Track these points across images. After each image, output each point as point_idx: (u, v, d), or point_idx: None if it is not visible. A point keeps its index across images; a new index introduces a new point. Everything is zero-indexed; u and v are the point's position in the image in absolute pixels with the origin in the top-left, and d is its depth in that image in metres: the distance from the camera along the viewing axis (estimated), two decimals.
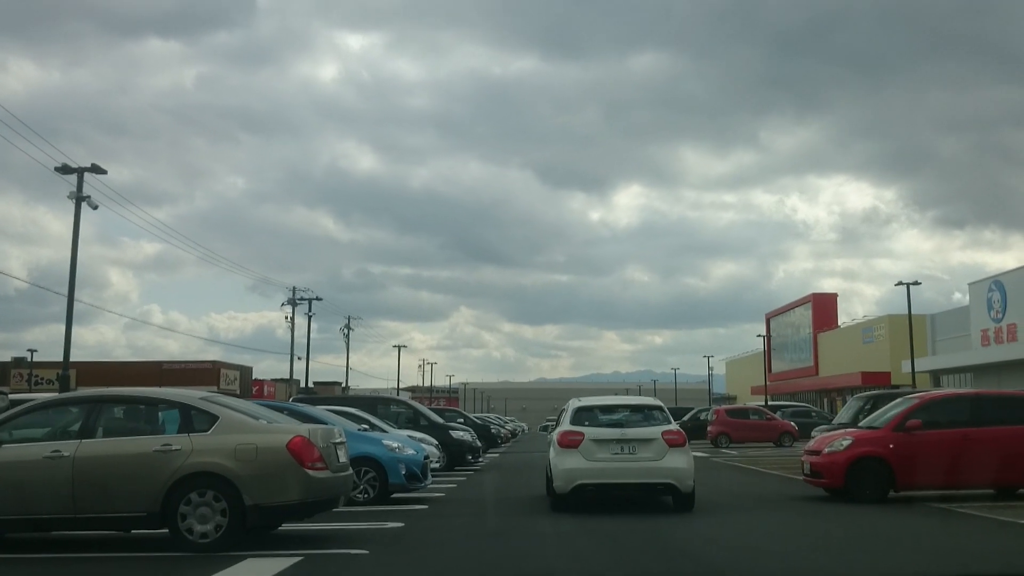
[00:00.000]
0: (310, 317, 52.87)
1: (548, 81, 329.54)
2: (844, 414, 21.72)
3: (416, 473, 13.45)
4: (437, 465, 18.29)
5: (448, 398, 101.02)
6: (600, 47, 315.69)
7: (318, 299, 53.23)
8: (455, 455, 20.50)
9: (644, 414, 12.58)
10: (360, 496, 12.95)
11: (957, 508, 11.92)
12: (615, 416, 12.57)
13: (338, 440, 9.51)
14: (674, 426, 12.36)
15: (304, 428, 9.10)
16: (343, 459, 9.52)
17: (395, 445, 13.56)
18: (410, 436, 18.00)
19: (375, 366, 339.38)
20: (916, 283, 39.71)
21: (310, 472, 8.63)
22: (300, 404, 16.16)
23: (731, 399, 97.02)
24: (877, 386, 47.33)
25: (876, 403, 20.58)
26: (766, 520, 11.61)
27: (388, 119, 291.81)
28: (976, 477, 13.08)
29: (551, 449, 12.55)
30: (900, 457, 12.75)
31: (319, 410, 14.36)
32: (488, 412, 78.86)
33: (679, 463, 11.82)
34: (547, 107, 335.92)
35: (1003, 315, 44.87)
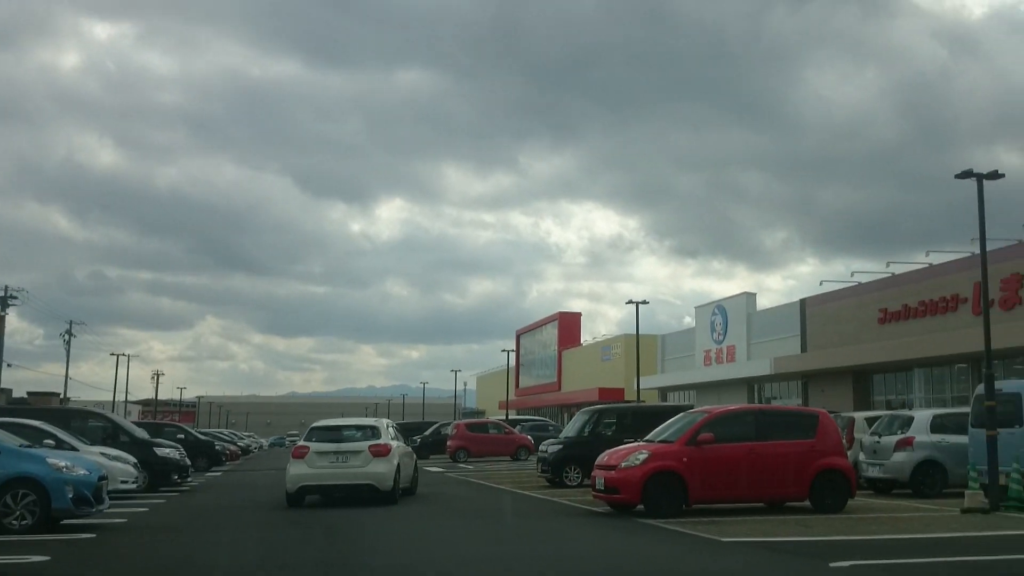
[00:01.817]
0: (2, 317, 47.16)
1: (310, 88, 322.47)
2: (571, 427, 22.04)
3: (87, 496, 11.69)
4: (134, 486, 16.69)
5: (185, 412, 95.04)
6: (366, 59, 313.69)
7: (13, 297, 47.58)
8: (159, 474, 18.59)
9: (361, 431, 16.01)
10: (15, 523, 11.13)
11: (667, 524, 11.94)
12: (337, 433, 15.96)
13: None
14: (381, 440, 15.56)
15: None
16: None
17: (63, 464, 11.74)
18: (104, 453, 16.38)
19: (107, 377, 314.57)
20: (644, 302, 41.53)
21: None
22: None
23: (480, 413, 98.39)
24: (607, 401, 49.27)
25: (600, 417, 21.08)
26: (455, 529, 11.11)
27: (134, 113, 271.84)
28: (760, 491, 13.29)
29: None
30: (693, 471, 12.68)
31: None
32: (227, 427, 74.80)
33: (380, 469, 15.12)
34: (308, 114, 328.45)
35: (724, 337, 48.23)
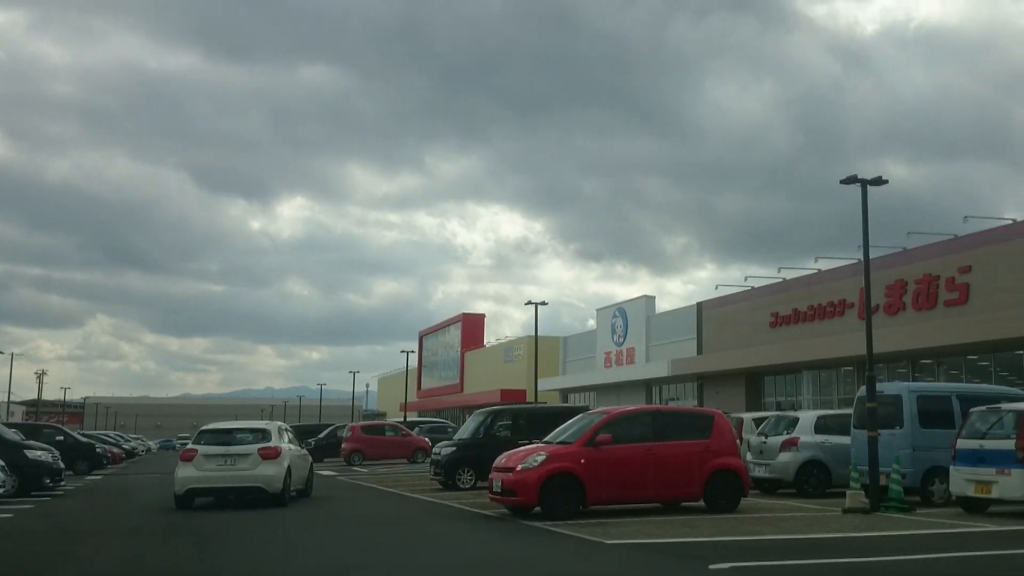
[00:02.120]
0: None
1: (210, 81, 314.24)
2: (465, 429, 21.77)
3: None
4: (1, 490, 15.76)
5: (72, 414, 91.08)
6: (268, 53, 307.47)
7: None
8: (30, 478, 17.69)
9: (252, 434, 15.94)
10: None
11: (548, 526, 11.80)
12: (227, 436, 15.85)
13: None
14: (271, 444, 15.55)
15: None
16: None
17: None
18: None
19: None
20: (543, 303, 41.58)
21: None
22: None
23: (381, 415, 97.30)
24: (507, 402, 49.23)
25: (495, 418, 20.86)
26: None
27: (25, 104, 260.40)
28: (657, 491, 13.28)
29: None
30: (591, 472, 12.61)
31: None
32: (115, 429, 71.90)
33: (268, 471, 15.14)
34: (207, 108, 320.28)
35: (624, 339, 48.79)
